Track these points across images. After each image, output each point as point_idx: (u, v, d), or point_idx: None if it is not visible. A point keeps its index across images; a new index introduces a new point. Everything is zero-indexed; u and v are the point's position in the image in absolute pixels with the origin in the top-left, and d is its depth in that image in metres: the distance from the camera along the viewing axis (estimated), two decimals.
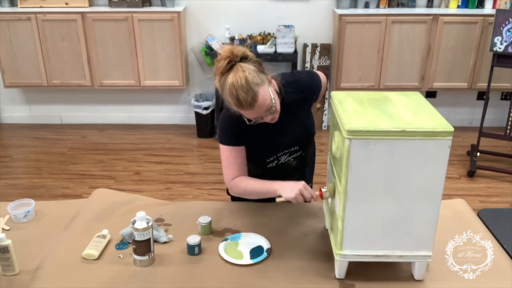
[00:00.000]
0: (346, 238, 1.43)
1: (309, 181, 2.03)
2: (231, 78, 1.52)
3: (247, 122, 1.65)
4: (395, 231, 1.41)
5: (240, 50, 1.55)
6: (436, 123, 1.33)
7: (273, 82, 1.66)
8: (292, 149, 1.80)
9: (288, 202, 1.61)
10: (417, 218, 1.39)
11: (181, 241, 1.67)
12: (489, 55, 3.94)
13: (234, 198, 2.09)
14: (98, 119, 4.84)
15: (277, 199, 1.63)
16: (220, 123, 1.76)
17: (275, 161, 1.81)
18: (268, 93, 1.57)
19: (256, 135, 1.73)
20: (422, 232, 1.41)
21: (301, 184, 1.59)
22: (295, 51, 4.15)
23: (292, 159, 1.84)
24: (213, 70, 1.61)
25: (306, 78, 1.81)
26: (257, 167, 1.83)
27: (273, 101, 1.59)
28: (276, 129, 1.73)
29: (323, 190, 1.57)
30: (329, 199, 1.61)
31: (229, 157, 1.75)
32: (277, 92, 1.68)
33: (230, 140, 1.74)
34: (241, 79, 1.50)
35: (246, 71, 1.52)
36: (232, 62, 1.54)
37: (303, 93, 1.77)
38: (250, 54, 1.58)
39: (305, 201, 1.62)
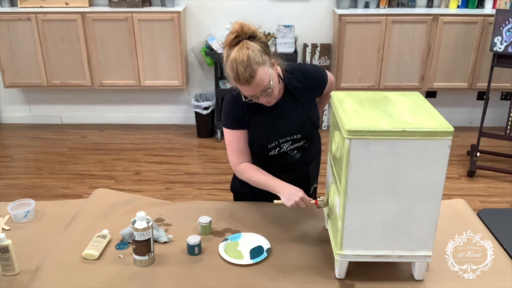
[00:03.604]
0: (346, 238, 1.43)
1: (314, 180, 2.04)
2: (234, 52, 1.58)
3: (243, 99, 1.70)
4: (395, 231, 1.41)
5: (250, 28, 1.61)
6: (436, 123, 1.33)
7: (277, 66, 1.71)
8: (295, 137, 1.81)
9: (284, 205, 1.68)
10: (417, 218, 1.39)
11: (181, 241, 1.67)
12: (489, 55, 3.94)
13: (236, 198, 2.09)
14: (98, 119, 4.84)
15: (275, 201, 1.70)
16: (223, 108, 1.81)
17: (277, 148, 1.81)
18: (268, 74, 1.61)
19: (258, 118, 1.77)
20: (422, 232, 1.41)
21: (299, 195, 1.65)
22: (295, 51, 4.15)
23: (295, 151, 1.84)
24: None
25: (311, 68, 1.86)
26: (259, 155, 1.84)
27: (271, 83, 1.63)
28: (278, 113, 1.77)
29: (318, 200, 1.66)
30: (329, 200, 1.62)
31: (232, 141, 1.79)
32: (280, 77, 1.73)
33: (232, 124, 1.78)
34: (243, 55, 1.56)
35: (250, 48, 1.57)
36: (239, 38, 1.60)
37: (308, 81, 1.81)
38: (259, 34, 1.63)
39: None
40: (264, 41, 1.65)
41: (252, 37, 1.61)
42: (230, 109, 1.78)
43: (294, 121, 1.79)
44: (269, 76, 1.62)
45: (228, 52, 1.61)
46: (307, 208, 1.68)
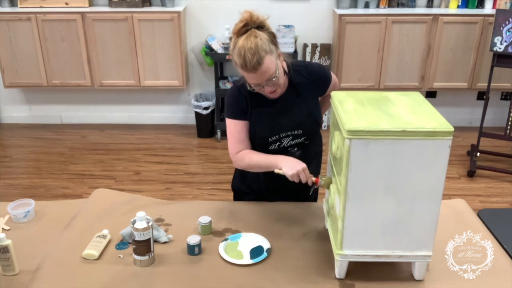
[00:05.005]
0: (346, 238, 1.42)
1: None
2: (242, 40, 1.60)
3: (249, 88, 1.71)
4: (395, 231, 1.41)
5: (259, 18, 1.63)
6: (436, 123, 1.33)
7: (282, 59, 1.72)
8: (296, 132, 1.81)
9: (284, 176, 1.66)
10: (417, 218, 1.39)
11: (181, 241, 1.67)
12: (489, 55, 3.94)
13: (236, 196, 2.09)
14: (98, 119, 4.84)
15: (276, 170, 1.69)
16: (227, 98, 1.82)
17: (277, 143, 1.81)
18: (274, 63, 1.63)
19: (260, 111, 1.77)
20: (422, 232, 1.41)
21: (301, 166, 1.64)
22: (295, 51, 4.15)
23: (295, 147, 1.84)
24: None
25: (316, 66, 1.88)
26: (259, 150, 1.84)
27: (277, 72, 1.64)
28: (281, 107, 1.78)
29: (319, 178, 1.65)
30: (329, 200, 1.61)
31: (234, 131, 1.80)
32: (284, 70, 1.74)
33: (235, 114, 1.79)
34: (252, 43, 1.58)
35: (259, 37, 1.59)
36: (248, 27, 1.62)
37: (312, 77, 1.82)
38: (267, 24, 1.66)
39: (300, 182, 1.65)
40: (272, 32, 1.66)
41: (260, 26, 1.63)
42: (233, 99, 1.79)
43: (296, 116, 1.79)
44: (276, 65, 1.63)
45: (236, 40, 1.62)
46: (309, 183, 1.65)
